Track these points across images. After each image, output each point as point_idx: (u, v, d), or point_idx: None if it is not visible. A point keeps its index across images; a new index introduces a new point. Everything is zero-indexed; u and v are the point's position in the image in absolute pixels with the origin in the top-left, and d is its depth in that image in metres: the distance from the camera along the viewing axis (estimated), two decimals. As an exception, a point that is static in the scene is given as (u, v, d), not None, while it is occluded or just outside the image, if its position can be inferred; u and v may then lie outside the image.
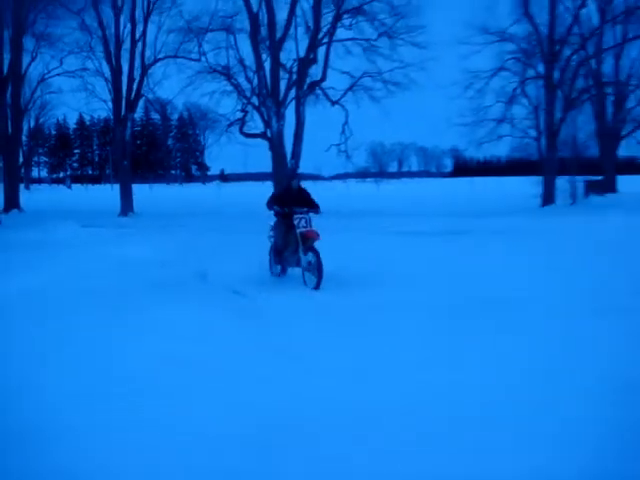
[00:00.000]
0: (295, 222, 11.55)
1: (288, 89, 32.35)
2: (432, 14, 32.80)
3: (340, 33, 32.79)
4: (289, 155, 32.08)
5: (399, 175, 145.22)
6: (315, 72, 32.56)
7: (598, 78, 39.28)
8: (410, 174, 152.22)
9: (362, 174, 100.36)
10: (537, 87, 35.45)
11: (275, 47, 31.71)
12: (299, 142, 32.18)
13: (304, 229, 11.50)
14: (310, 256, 11.33)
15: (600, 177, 43.29)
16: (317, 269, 11.07)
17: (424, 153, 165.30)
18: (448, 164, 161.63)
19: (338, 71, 32.68)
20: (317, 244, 11.42)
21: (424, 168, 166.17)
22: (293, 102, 32.31)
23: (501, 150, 40.53)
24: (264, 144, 32.31)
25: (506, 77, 35.56)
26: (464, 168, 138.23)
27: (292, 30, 32.04)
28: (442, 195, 51.57)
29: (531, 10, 34.61)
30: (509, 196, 39.76)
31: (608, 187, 42.83)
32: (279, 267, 12.61)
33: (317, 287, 10.99)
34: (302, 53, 32.10)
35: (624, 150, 44.37)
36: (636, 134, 41.60)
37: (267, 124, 31.88)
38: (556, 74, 34.31)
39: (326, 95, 33.10)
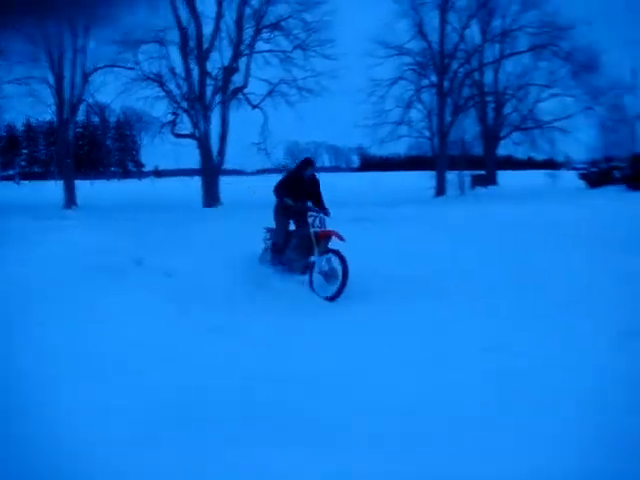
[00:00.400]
0: (309, 220, 9.00)
1: (214, 94, 32.05)
2: (341, 30, 32.78)
3: (260, 45, 32.65)
4: (215, 153, 31.87)
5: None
6: (238, 79, 32.33)
7: (481, 88, 40.23)
8: (323, 169, 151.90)
9: (281, 169, 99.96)
10: (430, 94, 36.26)
11: (202, 57, 31.39)
12: (224, 141, 31.97)
13: (319, 229, 8.96)
14: (329, 259, 8.77)
15: (483, 172, 44.20)
16: (340, 276, 8.49)
17: (335, 150, 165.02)
18: (355, 160, 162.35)
19: (258, 79, 32.53)
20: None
21: (335, 164, 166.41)
22: (219, 106, 32.09)
23: (400, 148, 41.03)
24: (193, 143, 32.02)
25: (404, 85, 36.38)
26: (369, 164, 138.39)
27: (217, 42, 31.81)
28: (353, 187, 51.66)
29: (424, 29, 35.43)
30: (408, 188, 40.21)
31: (490, 180, 43.74)
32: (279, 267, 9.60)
33: (335, 297, 8.38)
34: (226, 63, 31.90)
35: (503, 149, 45.42)
36: (512, 136, 42.74)
37: (195, 125, 31.56)
38: (446, 84, 35.14)
39: (247, 100, 32.90)
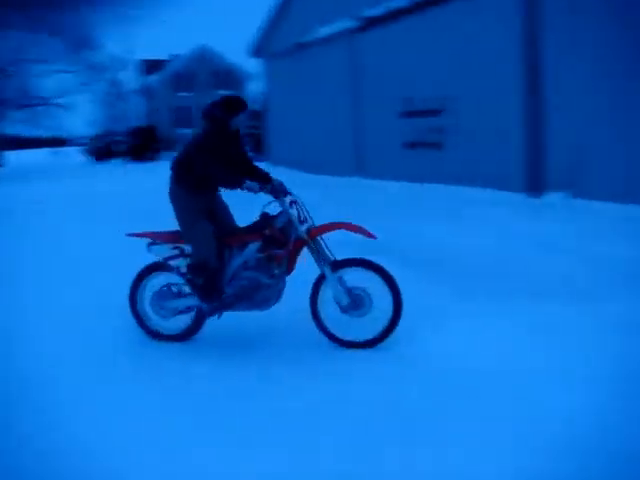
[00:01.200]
0: (293, 212, 4.71)
1: None
2: None
3: None
4: None
5: None
6: None
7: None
8: None
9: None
10: None
11: None
12: None
13: (309, 223, 4.80)
14: (340, 278, 4.75)
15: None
16: (374, 305, 4.67)
17: None
18: None
19: None
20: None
21: None
22: None
23: None
24: None
25: None
26: None
27: None
28: None
29: None
30: None
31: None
32: (192, 312, 5.03)
33: (379, 340, 4.67)
34: None
35: (9, 129, 42.69)
36: (15, 115, 40.26)
37: None
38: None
39: None
